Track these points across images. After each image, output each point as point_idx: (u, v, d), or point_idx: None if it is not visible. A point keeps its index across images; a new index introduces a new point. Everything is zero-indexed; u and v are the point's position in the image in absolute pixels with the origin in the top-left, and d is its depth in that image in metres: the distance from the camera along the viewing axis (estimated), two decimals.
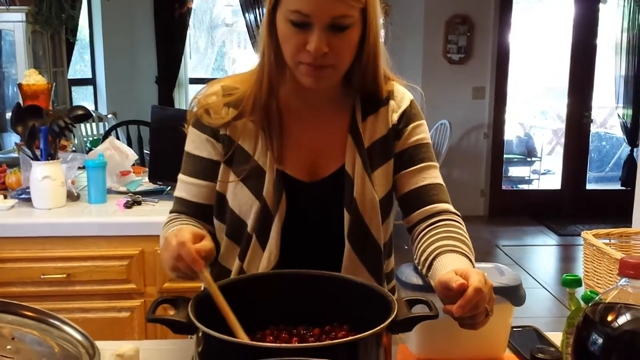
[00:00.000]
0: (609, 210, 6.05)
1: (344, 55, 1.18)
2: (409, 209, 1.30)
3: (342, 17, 1.13)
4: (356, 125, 1.28)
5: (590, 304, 0.93)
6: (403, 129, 1.31)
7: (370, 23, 1.18)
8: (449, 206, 1.29)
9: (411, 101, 1.33)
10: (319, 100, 1.29)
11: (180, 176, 1.32)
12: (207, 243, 1.08)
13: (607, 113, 8.16)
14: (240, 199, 1.26)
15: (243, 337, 0.99)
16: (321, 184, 1.28)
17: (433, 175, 1.30)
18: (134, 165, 2.75)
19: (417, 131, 1.32)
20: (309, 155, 1.28)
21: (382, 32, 1.24)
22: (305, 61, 1.16)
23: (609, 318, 0.88)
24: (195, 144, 1.30)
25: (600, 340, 0.88)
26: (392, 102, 1.31)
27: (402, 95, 1.33)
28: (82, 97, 6.52)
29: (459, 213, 1.29)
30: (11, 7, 4.91)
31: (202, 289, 1.34)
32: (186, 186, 1.31)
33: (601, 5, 6.13)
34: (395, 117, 1.31)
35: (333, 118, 1.30)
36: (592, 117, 6.42)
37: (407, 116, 1.31)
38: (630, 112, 6.28)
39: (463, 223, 1.27)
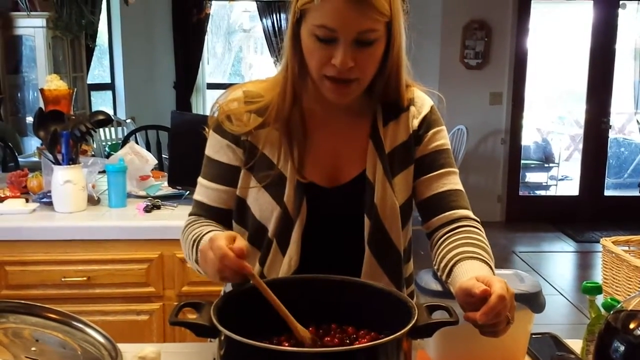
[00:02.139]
0: (627, 217, 6.01)
1: (368, 69, 1.19)
2: (428, 215, 1.30)
3: (368, 32, 1.14)
4: (377, 131, 1.29)
5: (612, 312, 0.93)
6: (423, 134, 1.31)
7: (395, 36, 1.19)
8: (468, 212, 1.29)
9: (431, 107, 1.34)
10: (341, 107, 1.29)
11: (200, 179, 1.33)
12: (241, 242, 1.07)
13: (625, 119, 8.09)
14: (262, 205, 1.27)
15: (299, 329, 1.03)
16: (342, 189, 1.28)
17: (453, 181, 1.31)
18: (153, 169, 2.78)
19: (437, 137, 1.32)
20: (330, 161, 1.29)
21: (404, 43, 1.25)
22: (330, 75, 1.17)
23: (632, 326, 0.88)
24: (215, 148, 1.31)
25: (622, 348, 0.88)
26: (412, 108, 1.31)
27: (423, 101, 1.33)
28: (101, 102, 6.58)
29: (478, 219, 1.29)
30: (32, 12, 4.98)
31: (221, 293, 1.35)
32: (206, 190, 1.31)
33: (620, 11, 6.09)
34: (415, 123, 1.31)
35: (354, 124, 1.31)
36: (610, 123, 6.37)
37: (428, 122, 1.32)
38: None
39: (483, 229, 1.27)
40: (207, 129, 1.34)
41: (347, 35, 1.13)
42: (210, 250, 1.06)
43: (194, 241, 1.21)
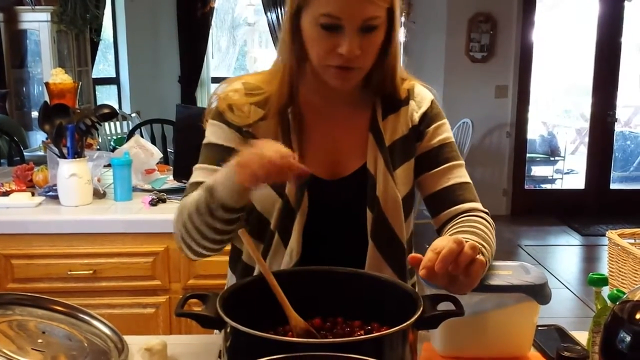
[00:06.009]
0: (633, 210, 5.98)
1: (370, 56, 1.19)
2: (437, 210, 1.30)
3: (372, 19, 1.14)
4: (377, 124, 1.28)
5: (618, 303, 0.93)
6: (425, 130, 1.31)
7: (395, 22, 1.19)
8: (476, 204, 1.29)
9: (432, 101, 1.34)
10: (339, 99, 1.29)
11: (199, 165, 1.28)
12: None
13: (631, 112, 8.07)
14: (263, 197, 1.26)
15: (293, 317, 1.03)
16: (343, 182, 1.28)
17: (458, 175, 1.30)
18: (158, 163, 2.78)
19: (439, 131, 1.32)
20: (330, 154, 1.29)
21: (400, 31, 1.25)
22: (335, 64, 1.16)
23: (638, 316, 0.88)
24: (218, 135, 1.27)
25: (628, 338, 0.88)
26: (412, 102, 1.31)
27: (423, 96, 1.33)
28: (106, 96, 6.59)
29: (487, 211, 1.29)
30: (37, 7, 5.00)
31: (225, 286, 1.35)
32: (209, 173, 1.23)
33: (626, 3, 6.06)
34: (416, 117, 1.31)
35: (353, 117, 1.31)
36: (616, 116, 6.34)
37: (429, 117, 1.32)
38: None
39: (490, 220, 1.27)
40: (205, 121, 1.31)
41: (353, 22, 1.13)
42: (262, 148, 1.04)
43: (202, 190, 1.14)
